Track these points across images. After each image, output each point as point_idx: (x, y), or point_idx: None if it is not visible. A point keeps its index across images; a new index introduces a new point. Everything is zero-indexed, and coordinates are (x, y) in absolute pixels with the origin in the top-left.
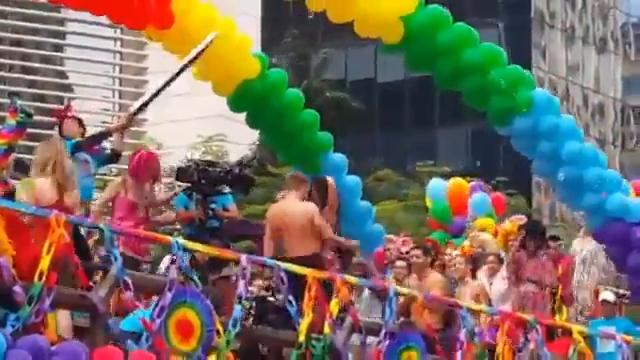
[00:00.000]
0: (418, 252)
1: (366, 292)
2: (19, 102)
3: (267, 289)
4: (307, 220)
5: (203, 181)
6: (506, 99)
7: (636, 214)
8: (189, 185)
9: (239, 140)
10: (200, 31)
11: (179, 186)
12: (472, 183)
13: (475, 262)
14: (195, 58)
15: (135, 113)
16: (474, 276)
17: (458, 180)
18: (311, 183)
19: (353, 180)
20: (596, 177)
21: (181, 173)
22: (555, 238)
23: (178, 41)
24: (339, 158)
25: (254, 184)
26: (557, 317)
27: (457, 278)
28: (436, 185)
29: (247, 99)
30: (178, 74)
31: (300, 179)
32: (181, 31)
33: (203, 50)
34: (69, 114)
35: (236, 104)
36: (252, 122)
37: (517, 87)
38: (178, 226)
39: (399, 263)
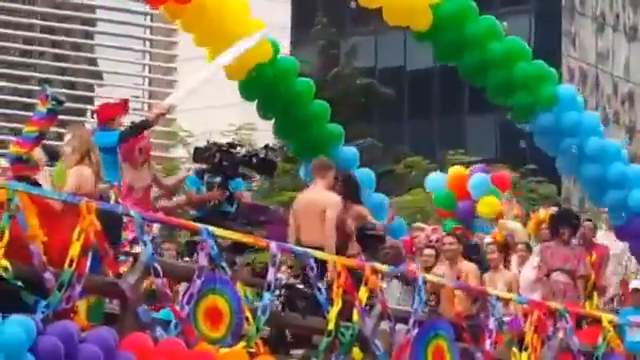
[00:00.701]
0: (451, 239)
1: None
2: (50, 89)
3: (297, 276)
4: (322, 210)
5: (225, 163)
6: (529, 95)
7: None
8: (206, 167)
9: (268, 129)
10: (218, 8)
11: (187, 169)
12: (472, 167)
13: (506, 249)
14: (239, 55)
15: (174, 104)
16: (505, 265)
17: (457, 167)
18: (339, 180)
19: (366, 173)
20: (619, 174)
21: (200, 153)
22: (590, 220)
23: (197, 18)
24: (350, 151)
25: (277, 168)
26: (587, 304)
27: (491, 266)
28: (433, 178)
29: (257, 85)
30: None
31: (325, 165)
32: (200, 7)
33: (249, 48)
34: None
35: (246, 90)
36: (262, 111)
37: (541, 83)
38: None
39: (427, 251)
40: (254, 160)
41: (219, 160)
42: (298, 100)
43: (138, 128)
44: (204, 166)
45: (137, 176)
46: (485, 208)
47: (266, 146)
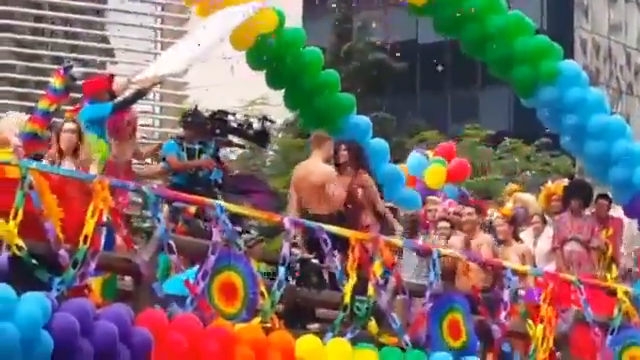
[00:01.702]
0: (470, 209)
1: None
2: (74, 69)
3: (310, 251)
4: (321, 184)
5: (218, 131)
6: (531, 69)
7: None
8: (190, 133)
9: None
10: None
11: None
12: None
13: (514, 223)
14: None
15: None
16: (516, 238)
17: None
18: (345, 148)
19: (379, 143)
20: (624, 151)
21: (191, 119)
22: (605, 196)
23: None
24: (363, 120)
25: (271, 139)
26: (608, 276)
27: (501, 239)
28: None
29: (264, 54)
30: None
31: (321, 137)
32: None
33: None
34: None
35: (253, 60)
36: (270, 81)
37: (543, 58)
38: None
39: (442, 224)
40: (249, 131)
41: (212, 127)
42: (306, 70)
43: (132, 98)
44: (183, 132)
45: (121, 149)
46: (432, 177)
47: (264, 117)
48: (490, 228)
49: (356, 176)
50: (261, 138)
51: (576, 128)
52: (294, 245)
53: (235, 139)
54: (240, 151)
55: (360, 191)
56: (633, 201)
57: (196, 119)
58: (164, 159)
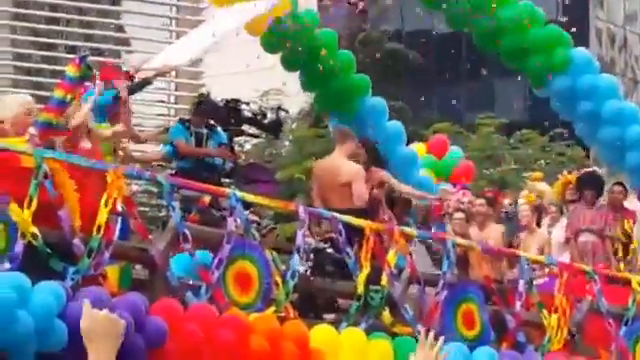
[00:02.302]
0: (482, 201)
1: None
2: (90, 58)
3: (325, 241)
4: (348, 182)
5: (232, 120)
6: (543, 59)
7: None
8: (208, 120)
9: (297, 93)
10: None
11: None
12: None
13: (539, 211)
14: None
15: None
16: (539, 224)
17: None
18: (362, 144)
19: (395, 126)
20: (637, 136)
21: (204, 106)
22: (620, 184)
23: None
24: (378, 101)
25: (283, 129)
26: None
27: (524, 226)
28: None
29: (278, 39)
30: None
31: (345, 133)
32: None
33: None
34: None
35: (268, 44)
36: (286, 64)
37: (554, 47)
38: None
39: (458, 215)
40: (263, 120)
41: (226, 116)
42: (321, 51)
43: (137, 87)
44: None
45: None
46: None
47: (278, 107)
48: (508, 217)
49: (370, 173)
50: (275, 128)
51: (590, 115)
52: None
53: (249, 129)
54: (255, 140)
55: (376, 191)
56: None
57: (207, 106)
58: (171, 143)
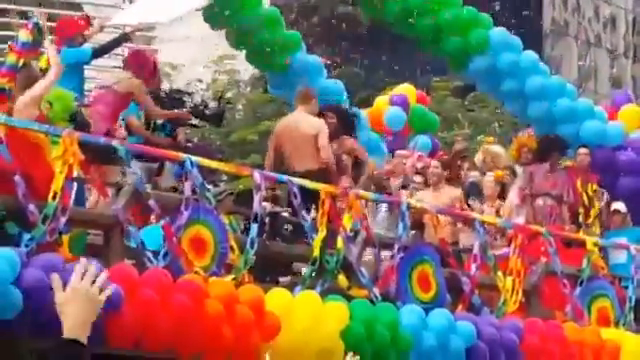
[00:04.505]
0: (436, 163)
1: (383, 210)
2: (37, 19)
3: (271, 199)
4: (312, 135)
5: (175, 110)
6: (461, 40)
7: (615, 138)
8: None
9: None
10: None
11: None
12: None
13: (504, 187)
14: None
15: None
16: (503, 198)
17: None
18: (333, 111)
19: (335, 85)
20: (567, 109)
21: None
22: (585, 146)
23: None
24: (313, 58)
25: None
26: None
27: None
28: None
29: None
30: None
31: (307, 94)
32: None
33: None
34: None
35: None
36: (211, 21)
37: (471, 28)
38: None
39: (417, 178)
40: (206, 111)
41: (170, 107)
42: (245, 7)
43: (114, 44)
44: None
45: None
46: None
47: (220, 97)
48: (477, 193)
49: (340, 141)
50: (216, 118)
51: (516, 93)
52: (265, 200)
53: (191, 120)
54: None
55: (345, 157)
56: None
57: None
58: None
